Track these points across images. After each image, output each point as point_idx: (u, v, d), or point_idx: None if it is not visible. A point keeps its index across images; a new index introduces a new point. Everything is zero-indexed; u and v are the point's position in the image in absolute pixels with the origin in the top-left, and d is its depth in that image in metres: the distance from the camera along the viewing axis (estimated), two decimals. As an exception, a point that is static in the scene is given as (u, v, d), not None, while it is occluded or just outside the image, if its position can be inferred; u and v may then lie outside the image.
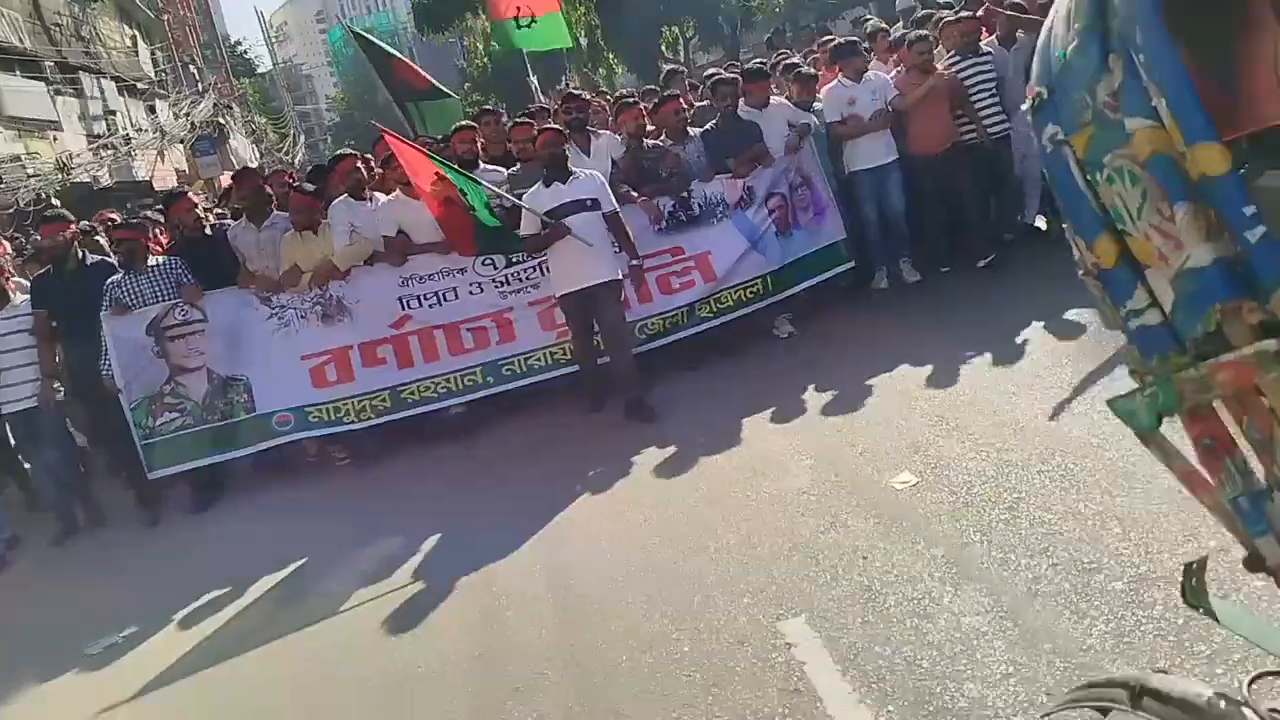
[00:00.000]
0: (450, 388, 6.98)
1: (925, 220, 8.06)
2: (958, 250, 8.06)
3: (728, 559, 4.28)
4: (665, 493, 5.22)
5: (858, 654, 3.38)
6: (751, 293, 7.44)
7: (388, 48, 12.28)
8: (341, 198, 6.99)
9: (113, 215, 7.52)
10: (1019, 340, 6.08)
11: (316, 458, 7.09)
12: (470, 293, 6.98)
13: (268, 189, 7.46)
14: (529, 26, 10.69)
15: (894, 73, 8.20)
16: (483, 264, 6.95)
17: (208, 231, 7.35)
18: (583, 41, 24.04)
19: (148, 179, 23.60)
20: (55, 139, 21.59)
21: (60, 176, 17.07)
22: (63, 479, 6.82)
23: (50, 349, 6.64)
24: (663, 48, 24.43)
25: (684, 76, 10.83)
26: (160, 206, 8.35)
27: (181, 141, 26.78)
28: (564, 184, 6.46)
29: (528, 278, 7.03)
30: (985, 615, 3.41)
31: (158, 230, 7.87)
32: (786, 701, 3.21)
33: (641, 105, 7.89)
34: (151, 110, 29.10)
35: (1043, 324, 6.22)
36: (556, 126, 6.92)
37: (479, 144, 7.41)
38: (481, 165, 7.15)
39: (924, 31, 8.19)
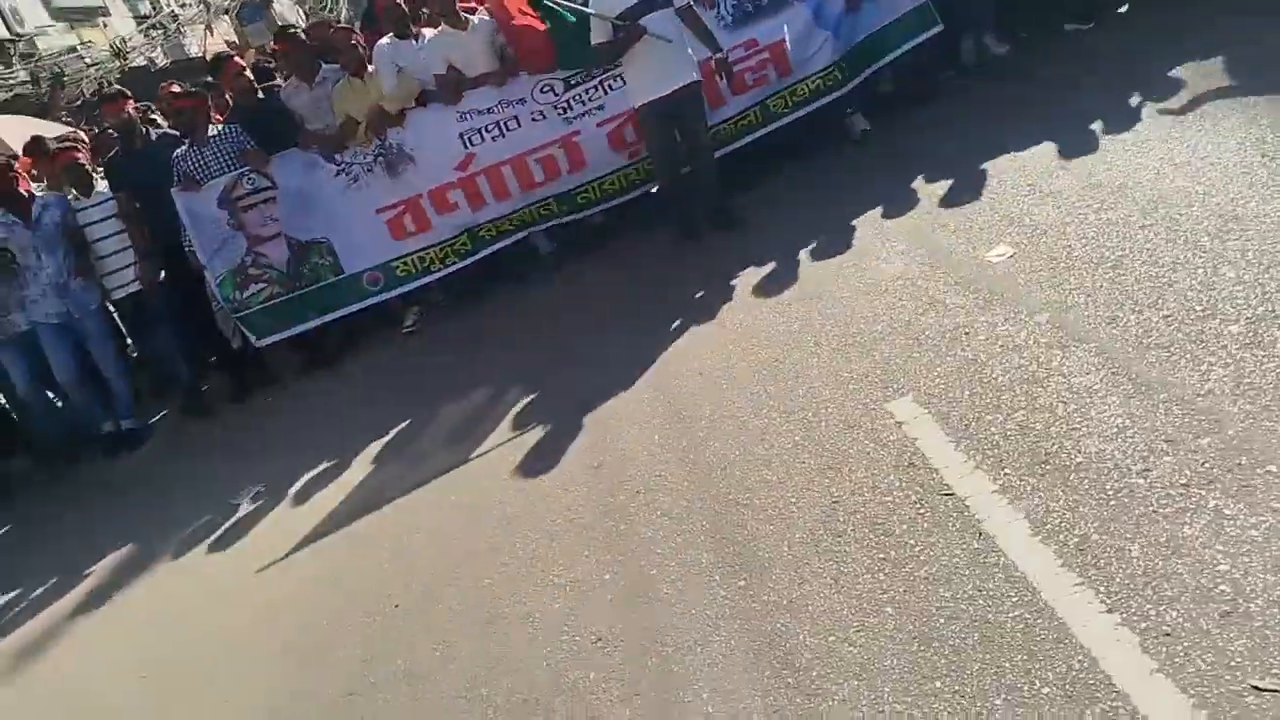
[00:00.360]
0: (525, 220, 6.90)
1: None
2: (1042, 16, 7.44)
3: (828, 350, 4.29)
4: (759, 295, 5.20)
5: (969, 425, 3.40)
6: (831, 80, 6.90)
7: None
8: (385, 38, 6.70)
9: (174, 88, 7.33)
10: (1112, 103, 5.75)
11: (415, 326, 6.98)
12: (533, 120, 6.69)
13: (310, 42, 7.12)
14: None
15: None
16: (541, 90, 6.65)
17: (261, 95, 7.09)
18: None
19: (201, 54, 23.50)
20: (105, 25, 21.54)
21: (118, 63, 17.10)
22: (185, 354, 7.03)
23: (140, 229, 6.70)
24: None
25: None
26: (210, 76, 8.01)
27: (226, 11, 26.47)
28: None
29: (591, 98, 6.70)
30: (1097, 373, 3.38)
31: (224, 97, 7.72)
32: (902, 476, 3.27)
33: None
34: (192, -17, 28.66)
35: (1139, 88, 5.79)
36: None
37: None
38: None
39: None
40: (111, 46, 18.37)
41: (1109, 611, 2.45)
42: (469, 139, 6.67)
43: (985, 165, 5.60)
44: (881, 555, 2.94)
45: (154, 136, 6.96)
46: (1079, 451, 3.04)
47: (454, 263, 6.88)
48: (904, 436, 3.48)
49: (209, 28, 25.61)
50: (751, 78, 6.82)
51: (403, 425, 5.44)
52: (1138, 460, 2.90)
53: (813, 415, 3.84)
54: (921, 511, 3.06)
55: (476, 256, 6.91)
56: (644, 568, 3.36)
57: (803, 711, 2.55)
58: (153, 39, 20.23)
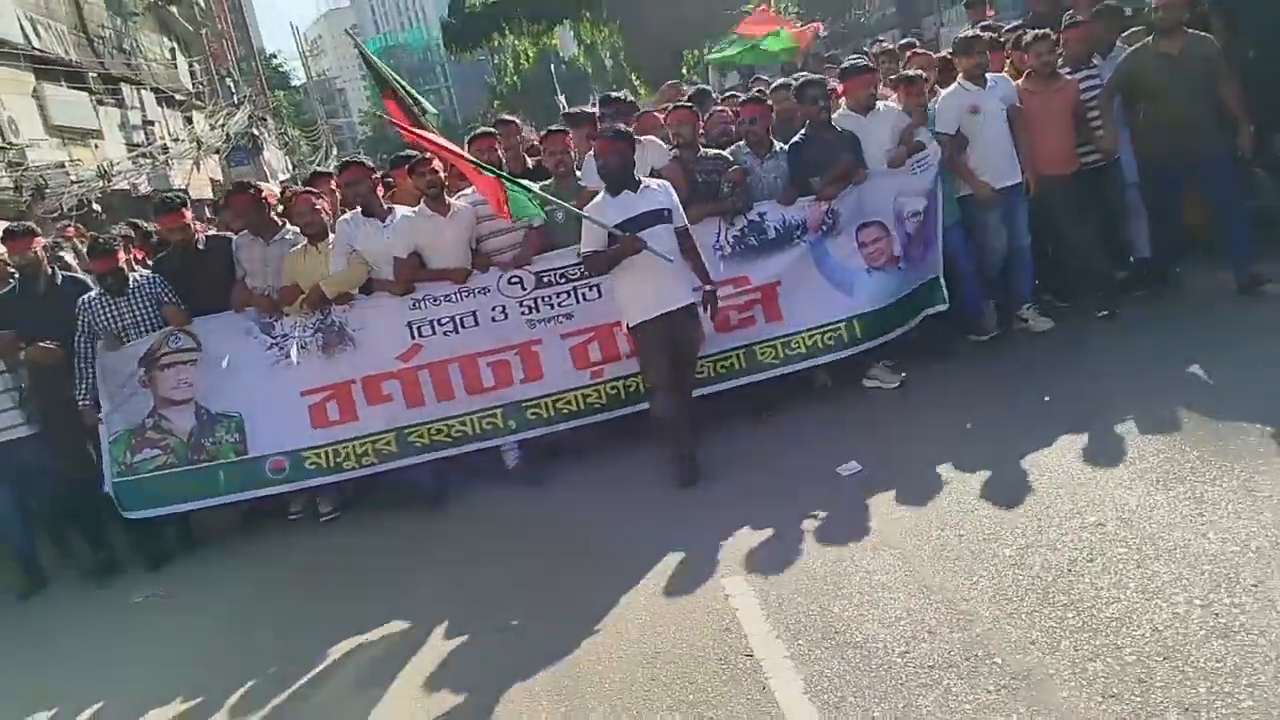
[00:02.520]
0: (466, 431, 6.20)
1: (1048, 254, 7.07)
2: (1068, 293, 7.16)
3: (692, 532, 4.89)
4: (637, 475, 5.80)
5: (783, 603, 3.98)
6: (831, 339, 6.37)
7: (387, 75, 11.76)
8: (351, 213, 6.25)
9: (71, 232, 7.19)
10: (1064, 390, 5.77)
11: (300, 513, 6.40)
12: (493, 319, 6.17)
13: (267, 202, 6.67)
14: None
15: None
16: (509, 283, 6.16)
17: (200, 246, 6.42)
18: (607, 63, 24.79)
19: (184, 187, 24.49)
20: (97, 147, 22.51)
21: (101, 184, 17.94)
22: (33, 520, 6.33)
23: (14, 374, 6.13)
24: (684, 70, 25.18)
25: (714, 97, 8.75)
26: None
27: (217, 152, 27.76)
28: (634, 193, 5.61)
29: (560, 304, 6.20)
30: (894, 573, 4.01)
31: (132, 245, 7.20)
32: (718, 639, 3.83)
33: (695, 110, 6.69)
34: (189, 121, 30.08)
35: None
36: (624, 130, 5.87)
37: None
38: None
39: (1045, 30, 6.83)
40: (99, 168, 19.25)
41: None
42: (418, 329, 6.16)
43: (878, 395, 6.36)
44: (682, 698, 3.46)
45: (59, 279, 6.42)
46: (860, 633, 3.63)
47: (371, 464, 6.18)
48: (729, 607, 4.05)
49: (197, 164, 26.79)
50: (736, 317, 6.29)
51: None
52: (901, 644, 3.49)
53: (663, 585, 4.40)
54: (724, 667, 3.60)
55: (398, 463, 6.20)
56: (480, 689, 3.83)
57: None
58: (140, 166, 21.21)
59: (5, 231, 6.57)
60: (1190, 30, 6.53)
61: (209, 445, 6.13)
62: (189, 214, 6.51)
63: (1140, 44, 6.73)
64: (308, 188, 6.72)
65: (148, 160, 21.99)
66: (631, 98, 7.50)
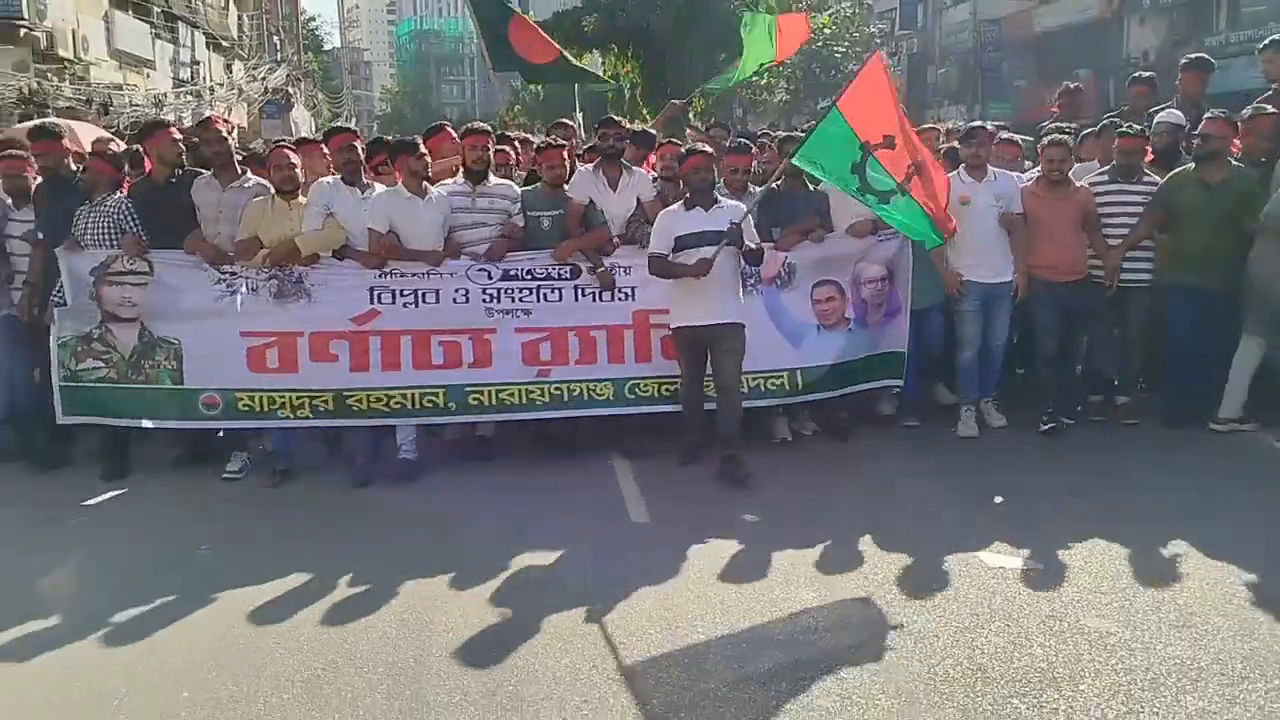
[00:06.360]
0: (405, 404, 6.23)
1: (1027, 357, 7.09)
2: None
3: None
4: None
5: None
6: (774, 384, 6.64)
7: (513, 6, 10.49)
8: (328, 178, 6.25)
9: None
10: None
11: (240, 474, 6.23)
12: (454, 300, 6.25)
13: (231, 143, 6.58)
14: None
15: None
16: (477, 270, 6.29)
17: (173, 179, 6.34)
18: (626, 94, 26.83)
19: (216, 128, 26.44)
20: (148, 76, 24.54)
21: (154, 111, 19.93)
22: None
23: (38, 259, 6.37)
24: (690, 116, 27.02)
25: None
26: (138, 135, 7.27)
27: (253, 101, 29.72)
28: (706, 210, 6.00)
29: (520, 300, 6.33)
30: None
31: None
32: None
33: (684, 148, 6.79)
34: (229, 69, 32.05)
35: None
36: (705, 150, 6.27)
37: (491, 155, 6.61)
38: (491, 178, 6.49)
39: (1062, 136, 6.85)
40: (154, 97, 21.25)
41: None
42: (379, 295, 6.18)
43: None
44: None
45: (76, 180, 6.62)
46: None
47: (306, 417, 6.19)
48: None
49: (230, 108, 28.75)
50: None
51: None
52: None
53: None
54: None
55: (333, 423, 6.29)
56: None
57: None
58: (187, 102, 23.23)
59: (37, 129, 7.13)
60: (1235, 162, 6.56)
61: (148, 368, 6.19)
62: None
63: (1181, 169, 6.68)
64: (287, 145, 6.65)
65: (193, 97, 23.99)
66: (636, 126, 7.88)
